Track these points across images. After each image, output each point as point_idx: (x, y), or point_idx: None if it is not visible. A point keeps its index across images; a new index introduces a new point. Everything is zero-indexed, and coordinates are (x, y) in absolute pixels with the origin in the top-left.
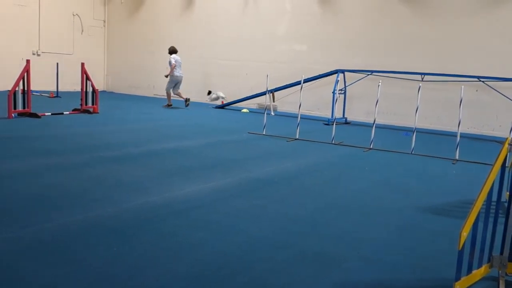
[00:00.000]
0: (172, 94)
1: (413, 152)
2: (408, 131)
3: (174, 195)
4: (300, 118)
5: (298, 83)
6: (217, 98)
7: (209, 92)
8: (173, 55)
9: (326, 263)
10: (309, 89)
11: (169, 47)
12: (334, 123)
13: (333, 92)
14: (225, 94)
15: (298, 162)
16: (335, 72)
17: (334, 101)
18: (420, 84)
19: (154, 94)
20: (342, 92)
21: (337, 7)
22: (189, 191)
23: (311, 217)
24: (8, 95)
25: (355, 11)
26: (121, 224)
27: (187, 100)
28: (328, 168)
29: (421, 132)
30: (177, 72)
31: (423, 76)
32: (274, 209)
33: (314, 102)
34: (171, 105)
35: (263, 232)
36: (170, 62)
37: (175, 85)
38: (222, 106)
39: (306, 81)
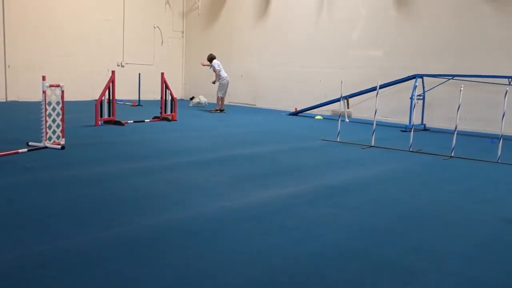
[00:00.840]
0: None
1: (499, 161)
2: (494, 138)
3: (248, 201)
4: (376, 124)
5: (373, 89)
6: (199, 103)
7: (192, 98)
8: (215, 61)
9: (401, 275)
10: (385, 95)
11: (208, 55)
12: (412, 130)
13: (411, 98)
14: (205, 98)
15: (374, 170)
16: (413, 77)
17: (412, 107)
18: (507, 89)
19: (229, 102)
20: (421, 97)
21: (414, 10)
22: (263, 197)
23: (386, 227)
24: (95, 104)
25: (433, 13)
26: (198, 227)
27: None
28: (405, 177)
29: (508, 139)
30: (223, 74)
31: (510, 79)
32: (348, 217)
33: (391, 108)
34: (223, 110)
35: (336, 240)
36: (214, 68)
37: (225, 89)
38: (295, 113)
39: (382, 86)
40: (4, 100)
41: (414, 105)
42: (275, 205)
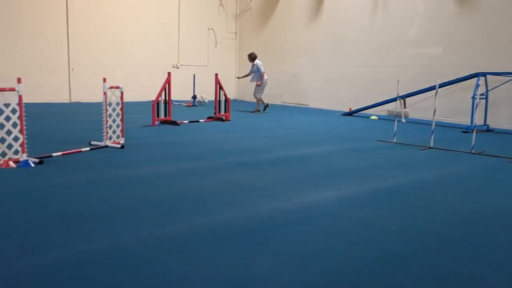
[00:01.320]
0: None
1: None
2: None
3: (302, 202)
4: (435, 125)
5: (432, 88)
6: (201, 101)
7: (195, 96)
8: (257, 61)
9: (461, 283)
10: (444, 94)
11: (250, 53)
12: (474, 131)
13: (473, 97)
14: (207, 97)
15: (432, 173)
16: (475, 75)
17: (474, 107)
18: None
19: (282, 102)
20: (484, 97)
21: (476, 5)
22: (317, 198)
23: (446, 232)
24: (153, 105)
25: (496, 7)
26: (250, 228)
27: (267, 105)
28: (467, 180)
29: None
30: (266, 76)
31: None
32: (405, 222)
33: (450, 108)
34: (260, 110)
35: (392, 245)
36: (259, 69)
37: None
38: (349, 113)
39: (442, 85)
40: (68, 101)
41: (477, 105)
42: (329, 207)
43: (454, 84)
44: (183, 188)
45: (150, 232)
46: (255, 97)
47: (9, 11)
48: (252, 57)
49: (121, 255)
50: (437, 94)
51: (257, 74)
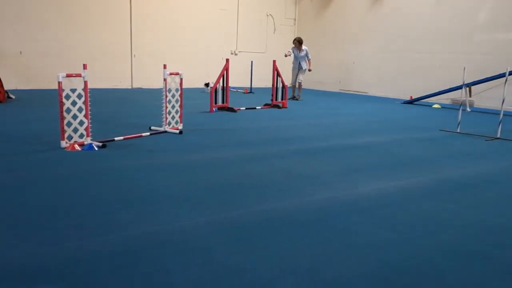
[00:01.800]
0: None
1: None
2: None
3: (359, 192)
4: (503, 114)
5: (501, 75)
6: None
7: (207, 84)
8: (305, 46)
9: None
10: None
11: (297, 38)
12: None
13: None
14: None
15: (500, 165)
16: None
17: None
18: None
19: (340, 89)
20: None
21: None
22: (374, 188)
23: None
24: (211, 92)
25: None
26: (305, 217)
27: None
28: None
29: None
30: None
31: None
32: (470, 215)
33: None
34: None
35: (456, 239)
36: (307, 53)
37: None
38: (410, 101)
39: (511, 73)
40: (130, 87)
41: None
42: (388, 198)
43: None
44: (240, 175)
45: (207, 218)
46: (299, 84)
47: (75, 0)
48: (301, 42)
49: (177, 240)
50: (507, 82)
51: (304, 60)
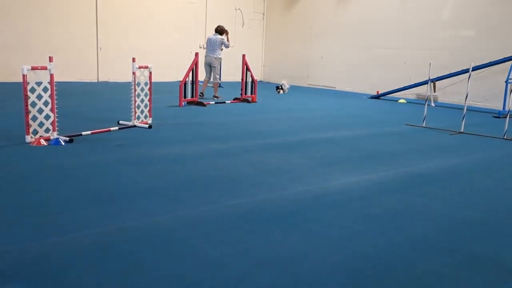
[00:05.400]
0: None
1: None
2: None
3: (331, 186)
4: (466, 109)
5: (465, 71)
6: (283, 88)
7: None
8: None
9: (499, 272)
10: (476, 78)
11: (219, 26)
12: (508, 116)
13: (506, 82)
14: (286, 85)
15: (464, 158)
16: (509, 59)
17: (507, 91)
18: None
19: (308, 84)
20: None
21: None
22: (346, 182)
23: (481, 220)
24: (180, 86)
25: None
26: (280, 211)
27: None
28: (500, 166)
29: None
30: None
31: None
32: (438, 208)
33: (482, 92)
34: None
35: (425, 232)
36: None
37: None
38: (377, 96)
39: (474, 69)
40: (96, 81)
41: (510, 90)
42: (358, 191)
43: (487, 68)
44: (211, 169)
45: (180, 212)
46: (216, 79)
47: None
48: (224, 31)
49: (152, 234)
50: (470, 78)
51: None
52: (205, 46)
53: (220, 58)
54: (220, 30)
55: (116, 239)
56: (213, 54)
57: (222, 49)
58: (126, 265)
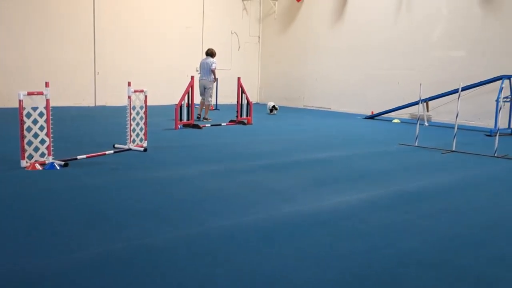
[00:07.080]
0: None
1: None
2: None
3: (322, 205)
4: (458, 128)
5: (455, 91)
6: (272, 110)
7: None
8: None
9: (484, 287)
10: (467, 97)
11: (211, 49)
12: (497, 134)
13: (497, 100)
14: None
15: (455, 176)
16: (499, 78)
17: (497, 110)
18: None
19: (304, 105)
20: (508, 100)
21: (501, 6)
22: (337, 201)
23: (469, 236)
24: (175, 109)
25: None
26: (271, 229)
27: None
28: (490, 184)
29: None
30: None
31: None
32: (427, 225)
33: (474, 111)
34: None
35: (413, 248)
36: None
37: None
38: (372, 117)
39: (464, 88)
40: (93, 105)
41: (500, 108)
42: (349, 210)
43: (478, 87)
44: (206, 190)
45: (172, 233)
46: (208, 102)
47: (37, 17)
48: (213, 55)
49: (143, 255)
50: (460, 97)
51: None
52: (199, 70)
53: (215, 80)
54: (210, 53)
55: (109, 261)
56: (207, 78)
57: (214, 72)
58: (119, 287)
